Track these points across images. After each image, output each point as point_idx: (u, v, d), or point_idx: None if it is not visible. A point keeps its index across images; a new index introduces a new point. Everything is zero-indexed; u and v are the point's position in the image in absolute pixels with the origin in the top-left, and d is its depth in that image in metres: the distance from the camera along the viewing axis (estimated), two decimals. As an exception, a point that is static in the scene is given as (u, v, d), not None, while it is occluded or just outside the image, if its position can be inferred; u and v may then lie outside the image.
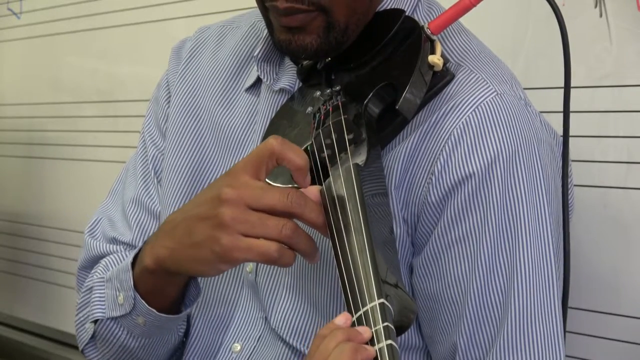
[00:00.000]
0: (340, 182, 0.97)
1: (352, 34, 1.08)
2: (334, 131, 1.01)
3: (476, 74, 1.08)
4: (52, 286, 2.59)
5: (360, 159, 0.98)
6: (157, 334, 1.13)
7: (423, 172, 1.05)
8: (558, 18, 1.12)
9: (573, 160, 1.25)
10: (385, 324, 0.84)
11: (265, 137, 1.11)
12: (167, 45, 1.33)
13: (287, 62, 1.17)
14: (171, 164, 1.22)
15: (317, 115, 1.06)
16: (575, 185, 1.20)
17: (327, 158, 1.00)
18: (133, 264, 1.09)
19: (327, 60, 1.11)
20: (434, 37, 1.06)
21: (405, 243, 1.08)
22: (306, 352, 1.10)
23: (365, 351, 0.82)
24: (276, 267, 1.10)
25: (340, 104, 1.04)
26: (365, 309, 0.86)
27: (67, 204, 2.55)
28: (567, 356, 1.15)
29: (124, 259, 1.16)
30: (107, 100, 2.42)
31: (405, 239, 1.07)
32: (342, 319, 0.86)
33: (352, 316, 0.87)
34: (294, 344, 1.11)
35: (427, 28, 1.06)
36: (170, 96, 1.26)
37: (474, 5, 1.06)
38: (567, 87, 1.14)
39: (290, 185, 1.00)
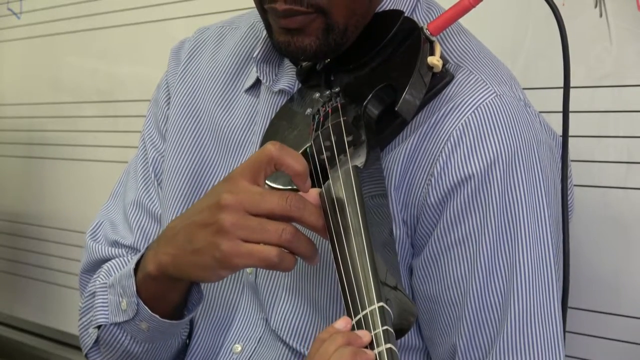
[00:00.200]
0: (340, 185, 0.96)
1: (351, 35, 1.08)
2: (333, 133, 1.01)
3: (475, 75, 1.08)
4: (52, 286, 2.59)
5: (360, 160, 0.98)
6: (161, 339, 1.13)
7: (422, 173, 1.05)
8: (557, 18, 1.12)
9: (573, 160, 1.25)
10: (385, 327, 0.84)
11: (264, 138, 1.11)
12: (167, 45, 1.33)
13: (287, 63, 1.16)
14: (171, 165, 1.22)
15: (317, 117, 1.06)
16: (575, 185, 1.20)
17: (326, 160, 1.00)
18: (135, 269, 1.09)
19: (326, 61, 1.11)
20: (433, 38, 1.06)
21: (405, 244, 1.08)
22: (306, 353, 1.10)
23: (365, 355, 0.82)
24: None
25: (339, 105, 1.04)
26: (364, 312, 0.86)
27: (67, 204, 2.55)
28: (567, 356, 1.15)
29: (126, 264, 1.16)
30: (107, 100, 2.42)
31: (404, 240, 1.07)
32: (342, 323, 0.86)
33: (352, 319, 0.87)
34: (294, 346, 1.11)
35: (427, 29, 1.06)
36: (170, 97, 1.26)
37: (474, 6, 1.06)
38: (566, 88, 1.14)
39: (290, 187, 1.00)
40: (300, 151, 1.02)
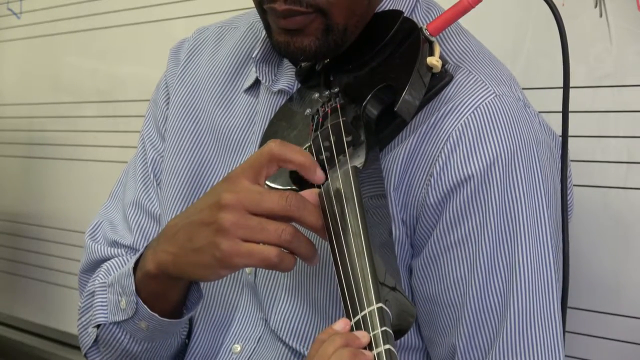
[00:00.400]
0: (339, 185, 0.96)
1: (350, 35, 1.08)
2: (333, 133, 1.01)
3: (475, 76, 1.08)
4: (52, 286, 2.59)
5: (359, 161, 0.98)
6: (160, 338, 1.13)
7: (422, 173, 1.05)
8: (557, 18, 1.12)
9: (573, 161, 1.25)
10: (384, 328, 0.84)
11: (264, 138, 1.11)
12: (167, 45, 1.33)
13: (286, 63, 1.16)
14: (170, 165, 1.22)
15: (316, 117, 1.06)
16: (575, 186, 1.20)
17: (325, 160, 1.00)
18: (135, 268, 1.09)
19: (325, 61, 1.11)
20: (433, 39, 1.06)
21: (405, 245, 1.07)
22: (306, 353, 1.10)
23: (364, 356, 0.82)
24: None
25: (338, 106, 1.04)
26: (363, 313, 0.85)
27: (67, 204, 2.55)
28: (567, 356, 1.15)
29: (125, 263, 1.16)
30: (107, 100, 2.42)
31: (404, 240, 1.07)
32: (341, 324, 0.86)
33: (351, 320, 0.86)
34: (294, 345, 1.11)
35: (426, 29, 1.06)
36: (169, 98, 1.26)
37: (473, 7, 1.06)
38: (566, 88, 1.14)
39: (289, 187, 1.00)
40: None
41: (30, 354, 2.63)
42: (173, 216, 1.17)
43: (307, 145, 1.03)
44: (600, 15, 1.37)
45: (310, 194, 0.98)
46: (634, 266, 1.35)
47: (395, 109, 1.00)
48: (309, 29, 1.05)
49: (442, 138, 1.04)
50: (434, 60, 1.04)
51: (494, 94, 1.06)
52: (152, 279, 1.06)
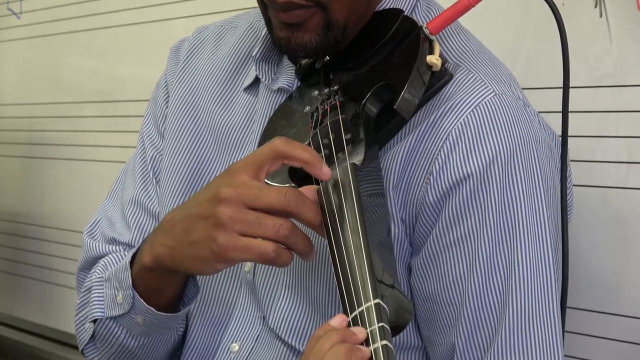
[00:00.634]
0: (337, 182, 0.96)
1: (350, 32, 1.08)
2: (332, 131, 1.01)
3: (474, 74, 1.08)
4: (52, 286, 2.59)
5: (358, 158, 0.98)
6: (157, 333, 1.13)
7: (421, 172, 1.05)
8: (557, 18, 1.12)
9: (573, 160, 1.25)
10: (381, 324, 0.83)
11: (263, 136, 1.11)
12: (167, 45, 1.33)
13: (286, 61, 1.16)
14: (170, 164, 1.22)
15: (315, 115, 1.06)
16: (575, 185, 1.20)
17: (324, 158, 1.00)
18: (132, 262, 1.09)
19: (325, 59, 1.11)
20: (433, 37, 1.06)
21: (404, 243, 1.07)
22: (304, 351, 1.10)
23: (360, 352, 0.82)
24: (274, 266, 1.10)
25: (338, 103, 1.04)
26: (360, 309, 0.85)
27: (67, 204, 2.55)
28: (566, 356, 1.15)
29: (122, 259, 1.16)
30: (107, 100, 2.42)
31: (403, 239, 1.07)
32: (338, 320, 0.86)
33: (348, 316, 0.86)
34: (292, 343, 1.11)
35: (426, 28, 1.06)
36: (168, 96, 1.26)
37: (473, 6, 1.06)
38: (566, 88, 1.14)
39: (288, 185, 1.00)
40: None
41: (30, 354, 2.63)
42: (172, 214, 1.17)
43: (306, 142, 1.03)
44: (600, 15, 1.37)
45: (308, 190, 0.97)
46: (634, 266, 1.35)
47: (395, 107, 1.00)
48: (309, 23, 1.05)
49: (441, 136, 1.04)
50: (433, 59, 1.04)
51: (494, 93, 1.06)
52: (148, 272, 1.06)
